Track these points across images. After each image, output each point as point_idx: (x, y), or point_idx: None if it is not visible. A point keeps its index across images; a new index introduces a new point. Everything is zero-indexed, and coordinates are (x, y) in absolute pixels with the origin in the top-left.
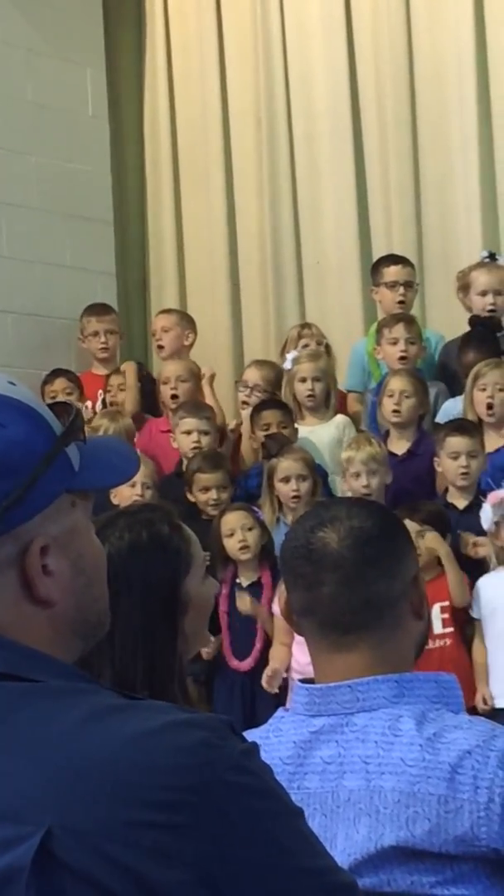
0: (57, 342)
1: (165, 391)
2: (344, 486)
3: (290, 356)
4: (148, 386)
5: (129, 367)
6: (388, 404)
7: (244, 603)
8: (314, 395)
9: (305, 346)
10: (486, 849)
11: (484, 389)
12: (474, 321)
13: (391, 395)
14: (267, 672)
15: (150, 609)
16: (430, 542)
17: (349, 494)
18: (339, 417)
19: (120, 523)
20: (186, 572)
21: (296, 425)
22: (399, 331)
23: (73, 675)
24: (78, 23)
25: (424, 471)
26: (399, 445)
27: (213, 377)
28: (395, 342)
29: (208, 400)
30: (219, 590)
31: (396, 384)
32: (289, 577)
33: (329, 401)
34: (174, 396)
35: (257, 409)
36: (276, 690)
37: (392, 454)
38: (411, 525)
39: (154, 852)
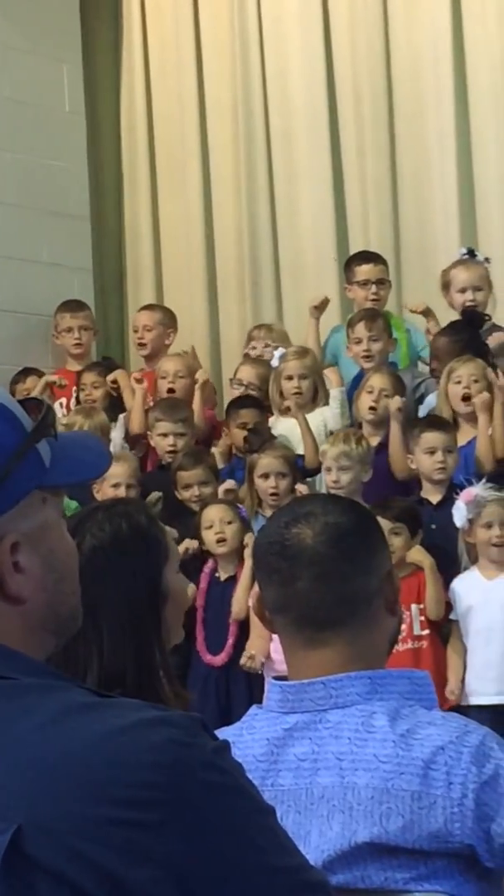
0: (33, 338)
1: (162, 385)
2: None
3: (277, 354)
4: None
5: (122, 376)
6: (366, 400)
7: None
8: (301, 392)
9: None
10: (459, 845)
11: (459, 382)
12: (466, 314)
13: (370, 392)
14: (245, 656)
15: (136, 599)
16: (414, 555)
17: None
18: (323, 408)
19: (98, 516)
20: (165, 563)
21: (282, 418)
22: (360, 330)
23: (44, 672)
24: (54, 18)
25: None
26: (371, 440)
27: (206, 383)
28: (358, 341)
29: (195, 404)
30: (189, 585)
31: (377, 382)
32: (263, 573)
33: (317, 398)
34: (171, 391)
35: (233, 406)
36: (259, 669)
37: None
38: (384, 522)
39: (125, 850)
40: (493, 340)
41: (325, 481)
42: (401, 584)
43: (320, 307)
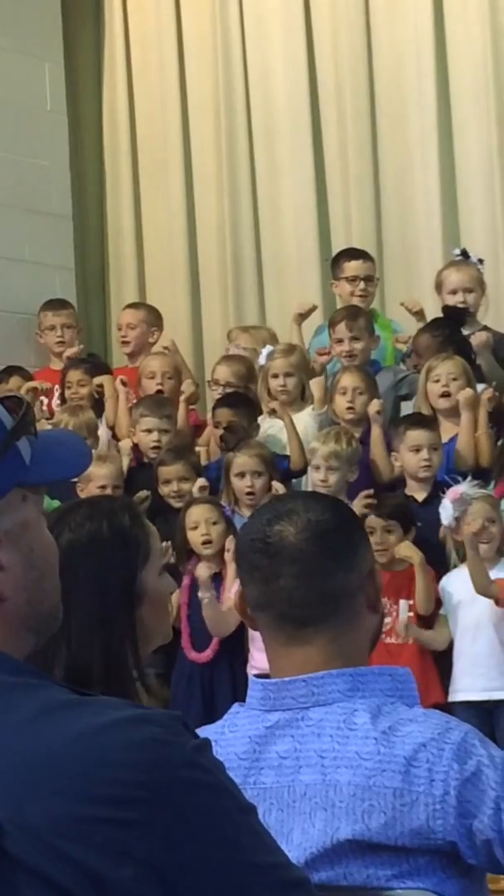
0: (15, 337)
1: (150, 385)
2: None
3: (264, 351)
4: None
5: (108, 382)
6: (341, 402)
7: (202, 571)
8: (287, 390)
9: (227, 350)
10: (441, 842)
11: (437, 381)
12: (446, 310)
13: (344, 393)
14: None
15: (108, 598)
16: (403, 550)
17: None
18: (309, 409)
19: (81, 512)
20: (144, 564)
21: (270, 419)
22: (342, 330)
23: (24, 670)
24: (36, 17)
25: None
26: None
27: (192, 395)
28: (340, 341)
29: (180, 413)
30: (174, 588)
31: (349, 381)
32: (245, 570)
33: (304, 395)
34: (160, 392)
35: (219, 405)
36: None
37: None
38: (376, 520)
39: (106, 848)
40: (475, 339)
41: (313, 479)
42: (392, 580)
43: (305, 315)
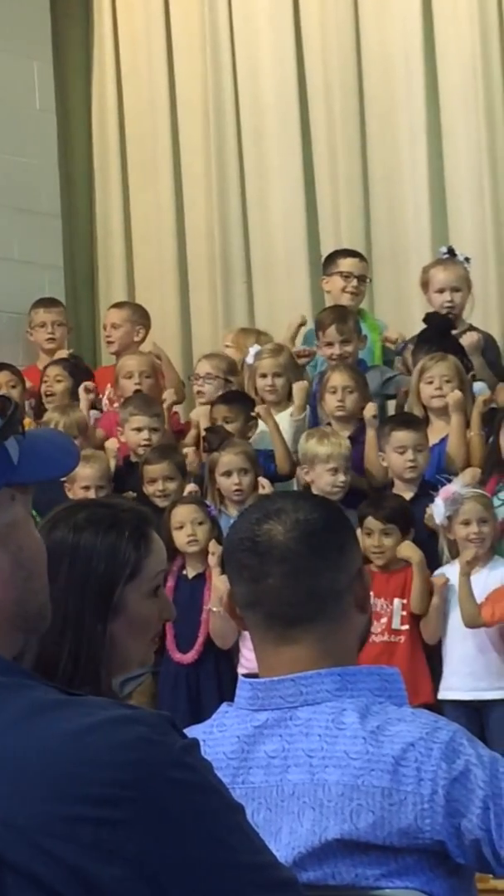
0: (4, 336)
1: (127, 385)
2: (306, 477)
3: (252, 350)
4: (85, 378)
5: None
6: (331, 400)
7: (220, 583)
8: (275, 390)
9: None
10: (429, 841)
11: (431, 382)
12: (428, 319)
13: (334, 392)
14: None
15: (82, 602)
16: (404, 550)
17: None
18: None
19: (86, 514)
20: (130, 581)
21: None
22: (332, 334)
23: (12, 670)
24: (25, 16)
25: (363, 459)
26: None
27: (178, 397)
28: (330, 344)
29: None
30: (168, 615)
31: (338, 380)
32: (233, 569)
33: (290, 395)
34: (138, 391)
35: (218, 401)
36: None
37: None
38: (374, 523)
39: (94, 848)
40: (465, 339)
41: (329, 480)
42: (389, 581)
43: (297, 330)
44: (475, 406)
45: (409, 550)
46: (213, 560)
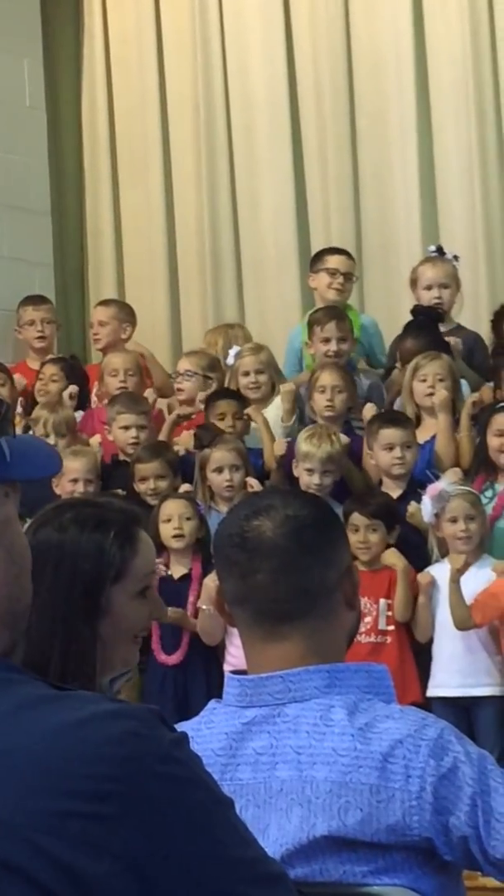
0: None
1: (112, 383)
2: (295, 472)
3: (232, 352)
4: (81, 383)
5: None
6: (320, 400)
7: (210, 581)
8: (258, 387)
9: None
10: (417, 838)
11: (424, 380)
12: (416, 310)
13: (322, 391)
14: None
15: (69, 603)
16: (388, 557)
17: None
18: (277, 398)
19: (72, 513)
20: (115, 581)
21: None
22: (331, 329)
23: (1, 666)
24: (15, 13)
25: (353, 460)
26: None
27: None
28: (326, 341)
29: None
30: (157, 615)
31: (327, 379)
32: (223, 565)
33: (274, 392)
34: (123, 388)
35: (211, 399)
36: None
37: None
38: (360, 519)
39: (83, 843)
40: (450, 341)
41: (305, 481)
42: (371, 578)
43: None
44: (464, 408)
45: (393, 558)
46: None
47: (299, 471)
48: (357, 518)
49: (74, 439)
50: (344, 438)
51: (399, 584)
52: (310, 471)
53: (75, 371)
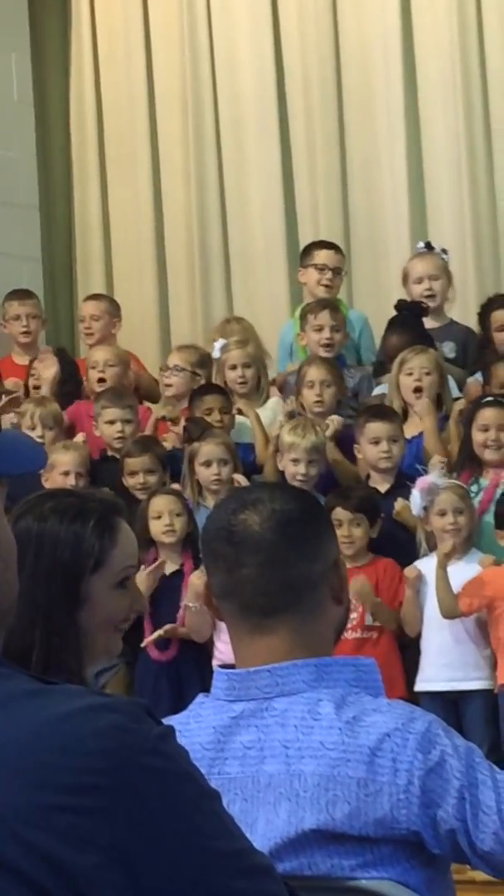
0: None
1: (93, 376)
2: (279, 465)
3: (217, 345)
4: (73, 373)
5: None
6: (308, 395)
7: (196, 580)
8: (245, 381)
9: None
10: (405, 831)
11: (411, 374)
12: (400, 305)
13: (311, 386)
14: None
15: (49, 593)
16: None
17: (282, 476)
18: (273, 400)
19: (51, 503)
20: (94, 571)
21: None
22: (324, 318)
23: None
24: (2, 8)
25: (345, 454)
26: None
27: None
28: (319, 329)
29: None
30: (138, 607)
31: (315, 374)
32: (209, 559)
33: (260, 385)
34: (101, 381)
35: (198, 394)
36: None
37: None
38: (343, 513)
39: (69, 836)
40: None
41: (291, 472)
42: (356, 575)
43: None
44: (451, 415)
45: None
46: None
47: (284, 462)
48: (340, 512)
49: (61, 432)
50: (337, 419)
51: (408, 602)
52: (295, 461)
53: (65, 362)
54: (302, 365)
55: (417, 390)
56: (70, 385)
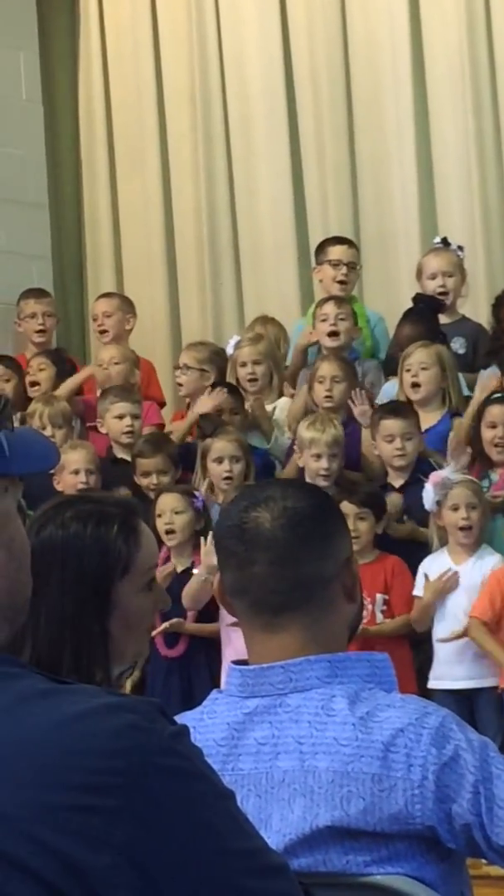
0: None
1: (99, 373)
2: (299, 462)
3: (231, 341)
4: (70, 372)
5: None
6: (319, 390)
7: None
8: (256, 378)
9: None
10: (420, 827)
11: (409, 370)
12: (417, 298)
13: (322, 381)
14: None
15: (79, 602)
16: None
17: (302, 471)
18: (283, 399)
19: (71, 510)
20: (122, 576)
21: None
22: (329, 308)
23: (1, 660)
24: (10, 6)
25: (351, 450)
26: None
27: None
28: (324, 319)
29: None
30: (163, 605)
31: (326, 370)
32: (222, 556)
33: (272, 383)
34: (105, 376)
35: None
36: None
37: None
38: (349, 507)
39: (84, 836)
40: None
41: (312, 467)
42: (364, 572)
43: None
44: (468, 411)
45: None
46: (205, 549)
47: (304, 459)
48: (346, 506)
49: (71, 431)
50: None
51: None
52: (317, 456)
53: (61, 359)
54: (314, 361)
55: (415, 385)
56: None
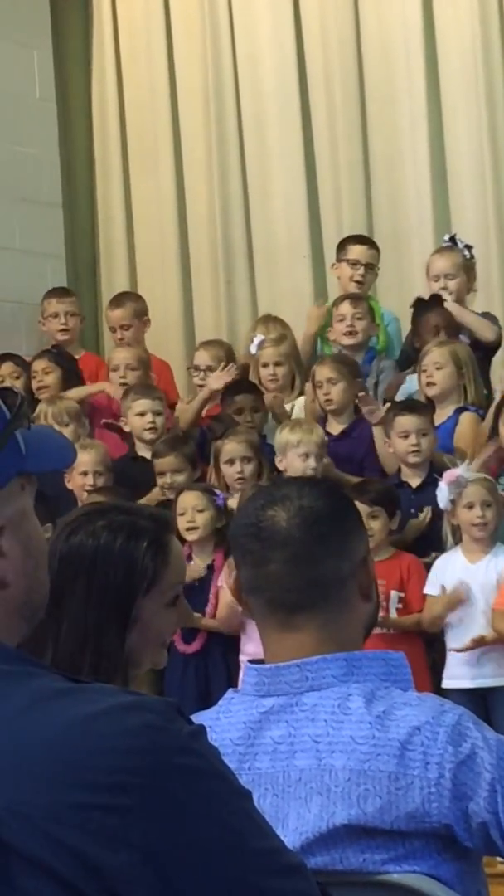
0: (6, 325)
1: (114, 378)
2: (279, 466)
3: (256, 340)
4: (71, 370)
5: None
6: (319, 394)
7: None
8: (276, 379)
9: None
10: (437, 825)
11: (425, 370)
12: (416, 303)
13: (320, 386)
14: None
15: (101, 613)
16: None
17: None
18: (302, 399)
19: (103, 520)
20: (147, 592)
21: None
22: (345, 307)
23: (19, 658)
24: (24, 5)
25: (358, 452)
26: (335, 427)
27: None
28: (342, 319)
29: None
30: (185, 622)
31: (322, 373)
32: (238, 554)
33: (294, 383)
34: (123, 384)
35: (229, 392)
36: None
37: (327, 433)
38: (361, 506)
39: (100, 835)
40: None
41: (298, 468)
42: (380, 569)
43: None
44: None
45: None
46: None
47: (288, 460)
48: (358, 506)
49: (81, 427)
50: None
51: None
52: (305, 455)
53: (62, 358)
54: (344, 349)
55: (430, 384)
56: (74, 382)
